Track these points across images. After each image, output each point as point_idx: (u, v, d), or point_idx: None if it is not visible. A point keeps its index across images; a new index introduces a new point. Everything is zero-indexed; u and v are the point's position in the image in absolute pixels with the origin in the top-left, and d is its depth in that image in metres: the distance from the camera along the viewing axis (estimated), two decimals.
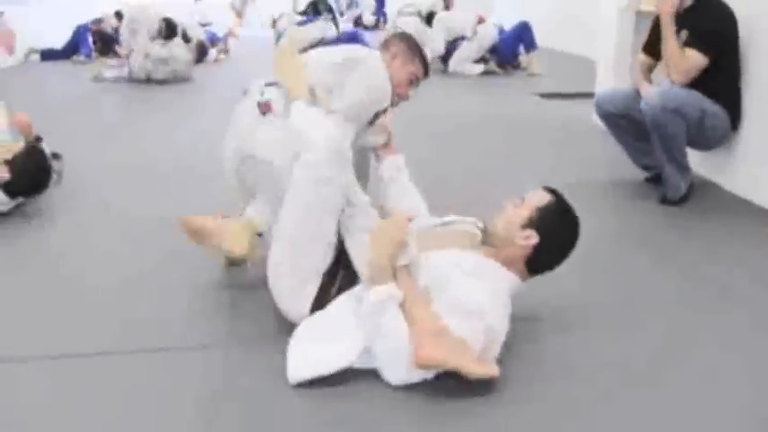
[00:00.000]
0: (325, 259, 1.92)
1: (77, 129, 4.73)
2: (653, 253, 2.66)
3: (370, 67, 2.30)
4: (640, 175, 3.47)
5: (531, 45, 7.40)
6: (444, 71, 7.40)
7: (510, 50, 7.44)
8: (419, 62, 2.45)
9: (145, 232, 2.81)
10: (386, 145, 2.48)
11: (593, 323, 2.09)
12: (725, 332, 2.07)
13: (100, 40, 9.07)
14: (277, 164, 2.05)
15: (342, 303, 1.88)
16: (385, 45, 2.47)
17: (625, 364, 1.87)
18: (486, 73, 7.32)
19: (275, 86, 2.21)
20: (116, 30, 8.35)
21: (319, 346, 1.77)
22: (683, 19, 3.06)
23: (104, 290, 2.31)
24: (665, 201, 3.14)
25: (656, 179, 3.32)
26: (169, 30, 7.28)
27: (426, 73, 2.50)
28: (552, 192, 1.93)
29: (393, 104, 2.46)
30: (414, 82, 2.45)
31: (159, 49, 7.13)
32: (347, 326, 1.78)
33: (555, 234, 1.87)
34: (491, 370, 1.66)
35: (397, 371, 1.68)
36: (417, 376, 1.68)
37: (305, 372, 1.70)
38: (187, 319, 2.11)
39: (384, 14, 13.53)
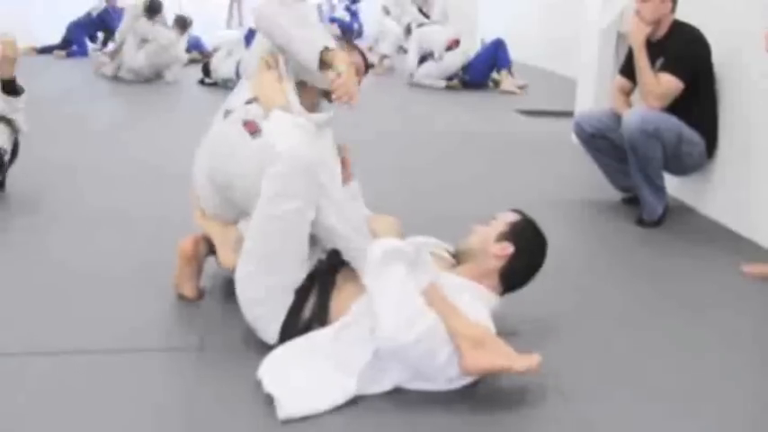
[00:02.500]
0: (293, 275, 1.90)
1: (67, 126, 4.72)
2: (627, 272, 2.71)
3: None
4: (617, 195, 3.53)
5: (503, 63, 7.42)
6: (411, 84, 7.52)
7: (481, 71, 7.45)
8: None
9: (132, 232, 2.85)
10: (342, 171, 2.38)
11: (566, 338, 2.13)
12: (695, 346, 2.13)
13: (104, 30, 9.12)
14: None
15: (324, 337, 1.83)
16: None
17: (601, 376, 1.91)
18: (471, 87, 7.35)
19: (255, 103, 2.17)
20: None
21: (308, 382, 1.73)
22: (658, 48, 3.14)
23: (78, 289, 2.35)
24: (641, 222, 3.19)
25: (632, 200, 3.38)
26: (153, 7, 7.29)
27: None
28: (520, 213, 2.03)
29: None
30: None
31: (144, 26, 7.17)
32: (336, 363, 1.76)
33: (528, 246, 1.96)
34: (534, 359, 1.71)
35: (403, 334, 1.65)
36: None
37: (295, 409, 1.66)
38: (163, 322, 2.14)
39: (360, 25, 13.63)
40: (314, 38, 2.13)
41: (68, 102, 5.96)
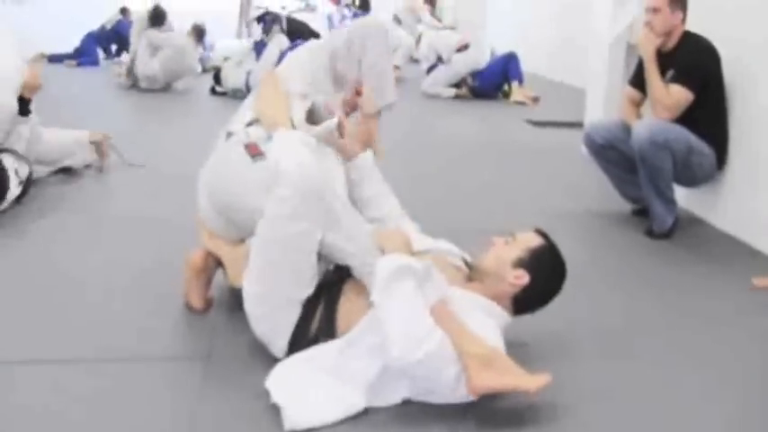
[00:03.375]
0: (300, 291, 1.89)
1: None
2: (636, 284, 2.70)
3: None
4: (627, 206, 3.52)
5: (515, 76, 7.42)
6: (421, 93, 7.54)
7: (492, 81, 7.45)
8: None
9: (141, 238, 2.88)
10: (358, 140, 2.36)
11: (576, 350, 2.13)
12: (703, 359, 2.12)
13: (118, 42, 9.23)
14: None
15: (333, 350, 1.83)
16: None
17: (610, 391, 1.91)
18: (481, 97, 7.35)
19: (256, 125, 2.15)
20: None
21: (315, 394, 1.73)
22: (668, 59, 3.14)
23: (88, 296, 2.38)
24: (651, 234, 3.18)
25: (642, 211, 3.37)
26: (157, 15, 7.33)
27: None
28: (543, 235, 1.97)
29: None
30: (359, 92, 2.40)
31: (156, 34, 7.18)
32: (343, 377, 1.76)
33: (544, 277, 1.91)
34: (544, 379, 1.69)
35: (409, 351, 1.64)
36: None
37: (301, 421, 1.67)
38: (170, 331, 2.16)
39: None
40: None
41: (78, 108, 5.99)
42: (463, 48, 7.51)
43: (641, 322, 2.36)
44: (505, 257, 1.90)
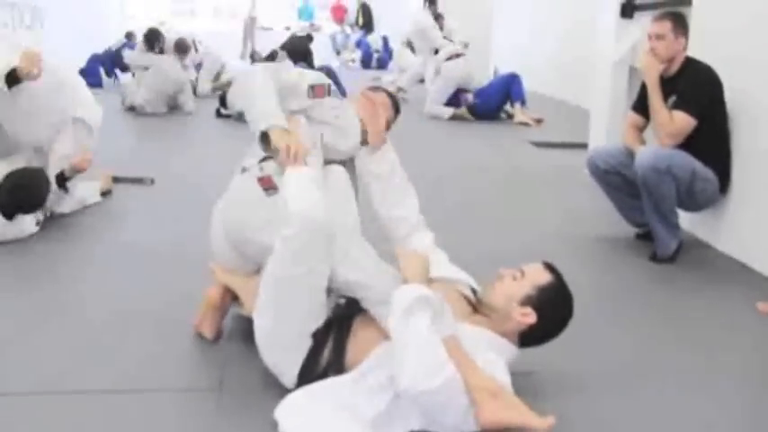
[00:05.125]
0: (309, 324, 1.92)
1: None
2: (639, 309, 2.72)
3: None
4: (631, 230, 3.54)
5: (518, 97, 7.42)
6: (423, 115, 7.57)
7: (493, 101, 7.43)
8: (381, 92, 2.53)
9: (153, 268, 2.90)
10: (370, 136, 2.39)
11: (580, 381, 2.13)
12: (707, 386, 2.13)
13: (121, 65, 9.32)
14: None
15: (342, 383, 1.85)
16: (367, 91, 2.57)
17: (615, 423, 1.92)
18: (482, 118, 7.37)
19: (270, 161, 2.19)
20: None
21: (323, 428, 1.76)
22: (670, 85, 3.18)
23: (102, 325, 2.41)
24: (654, 258, 3.20)
25: (646, 236, 3.39)
26: (150, 38, 7.43)
27: (395, 105, 2.52)
28: (551, 270, 1.97)
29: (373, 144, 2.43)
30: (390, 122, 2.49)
31: (140, 56, 7.32)
32: (351, 410, 1.77)
33: (551, 315, 1.92)
34: (549, 420, 1.70)
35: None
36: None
37: None
38: (182, 361, 2.18)
39: (389, 52, 13.63)
40: (266, 112, 2.11)
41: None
42: (454, 56, 7.53)
43: (646, 350, 2.37)
44: (513, 294, 1.90)
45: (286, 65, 2.29)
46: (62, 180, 3.40)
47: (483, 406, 1.67)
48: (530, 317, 1.88)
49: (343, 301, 2.03)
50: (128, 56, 7.58)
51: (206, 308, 2.31)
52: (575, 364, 2.22)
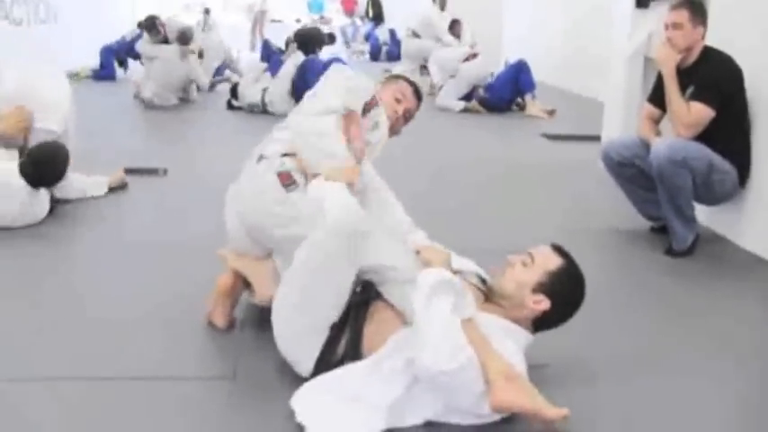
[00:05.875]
0: (328, 317, 1.92)
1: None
2: (654, 304, 2.68)
3: (336, 70, 2.38)
4: (646, 224, 3.50)
5: (526, 86, 7.36)
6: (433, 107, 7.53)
7: (503, 93, 7.37)
8: (403, 81, 2.49)
9: (166, 258, 2.92)
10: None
11: (594, 374, 2.11)
12: (730, 386, 2.09)
13: (135, 55, 9.32)
14: (298, 236, 2.04)
15: (358, 371, 1.85)
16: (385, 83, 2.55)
17: (628, 417, 1.90)
18: (493, 111, 7.31)
19: (291, 157, 2.18)
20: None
21: (340, 415, 1.77)
22: (688, 75, 3.13)
23: (115, 314, 2.42)
24: (670, 252, 3.16)
25: (662, 229, 3.35)
26: (150, 25, 7.45)
27: (416, 92, 2.49)
28: (561, 252, 1.96)
29: (395, 132, 2.45)
30: (400, 100, 2.44)
31: (150, 47, 7.32)
32: (367, 398, 1.77)
33: (564, 299, 1.92)
34: (562, 411, 1.71)
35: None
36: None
37: None
38: (196, 351, 2.19)
39: (397, 44, 13.54)
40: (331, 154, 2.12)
41: (94, 123, 6.03)
42: (471, 57, 7.52)
43: (660, 344, 2.34)
44: (524, 281, 1.90)
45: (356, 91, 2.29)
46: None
47: (497, 387, 1.67)
48: (543, 303, 1.88)
49: (359, 288, 2.02)
50: (139, 45, 7.62)
51: (217, 296, 2.31)
52: (588, 357, 2.19)
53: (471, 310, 1.80)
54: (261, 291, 2.20)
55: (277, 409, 1.82)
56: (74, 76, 9.03)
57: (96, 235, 3.30)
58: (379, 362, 1.82)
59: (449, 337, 1.67)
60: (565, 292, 1.91)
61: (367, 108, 2.28)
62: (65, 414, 1.83)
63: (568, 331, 2.08)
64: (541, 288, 1.88)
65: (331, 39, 9.21)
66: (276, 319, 1.96)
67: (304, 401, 1.79)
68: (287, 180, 2.11)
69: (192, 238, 3.19)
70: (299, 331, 1.92)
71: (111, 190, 3.90)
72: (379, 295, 1.98)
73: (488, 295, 2.00)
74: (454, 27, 9.03)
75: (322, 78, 2.34)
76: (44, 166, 3.27)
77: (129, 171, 4.16)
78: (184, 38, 7.37)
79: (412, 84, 2.51)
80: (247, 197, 2.20)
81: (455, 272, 2.04)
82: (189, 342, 2.25)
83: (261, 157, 2.23)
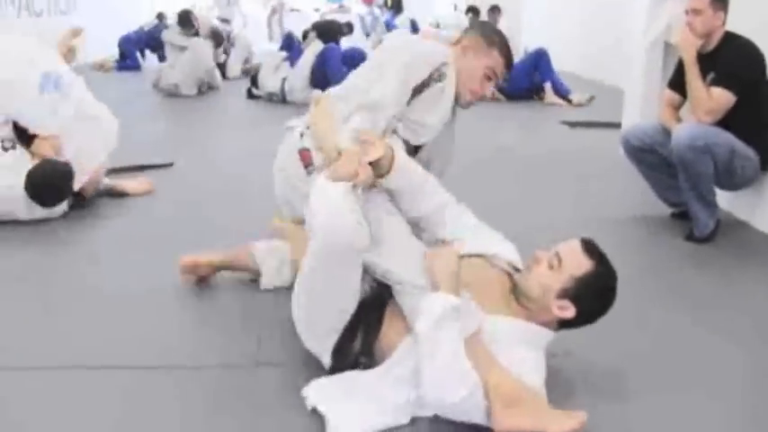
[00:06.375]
0: (338, 318, 1.89)
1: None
2: (678, 292, 2.67)
3: (397, 34, 2.31)
4: (667, 210, 3.49)
5: (546, 74, 7.30)
6: None
7: (521, 81, 7.27)
8: (498, 53, 2.21)
9: (185, 246, 2.87)
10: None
11: (613, 361, 2.12)
12: (752, 380, 2.07)
13: (155, 46, 9.42)
14: None
15: (369, 376, 1.85)
16: (456, 41, 2.30)
17: (644, 408, 1.90)
18: (513, 99, 7.28)
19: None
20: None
21: (360, 407, 1.76)
22: (709, 61, 3.11)
23: (136, 302, 2.45)
24: (691, 238, 3.15)
25: (683, 215, 3.34)
26: (184, 19, 7.50)
27: (508, 65, 2.27)
28: (591, 252, 1.85)
29: (463, 106, 2.30)
30: (491, 78, 2.23)
31: (179, 37, 7.39)
32: (378, 400, 1.78)
33: (591, 306, 1.85)
34: (577, 419, 1.65)
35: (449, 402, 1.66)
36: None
37: (346, 429, 1.71)
38: (218, 339, 2.19)
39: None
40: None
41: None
42: None
43: (681, 334, 2.33)
44: (549, 286, 1.82)
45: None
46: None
47: (496, 413, 1.63)
48: (568, 311, 1.81)
49: (374, 285, 1.97)
50: (165, 34, 7.69)
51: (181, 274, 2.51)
52: (606, 347, 2.17)
53: (477, 322, 1.75)
54: (297, 253, 2.19)
55: (298, 397, 1.82)
56: (99, 68, 9.16)
57: (110, 221, 3.33)
58: (389, 369, 1.82)
59: (454, 369, 1.63)
60: (592, 297, 1.83)
61: (426, 83, 2.10)
62: (78, 404, 1.84)
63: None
64: (566, 294, 1.80)
65: (349, 28, 9.24)
66: (295, 318, 1.97)
67: (318, 393, 1.81)
68: (307, 161, 2.12)
69: (210, 224, 3.23)
70: (314, 332, 1.92)
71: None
72: (391, 296, 1.94)
73: (515, 291, 1.92)
74: (494, 12, 9.04)
75: (385, 41, 2.25)
76: (43, 188, 3.15)
77: (138, 168, 4.15)
78: (218, 38, 7.48)
79: (508, 54, 2.24)
80: (276, 168, 2.34)
81: (475, 256, 2.00)
82: (210, 329, 2.26)
83: (289, 128, 2.32)
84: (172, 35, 7.58)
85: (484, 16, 9.80)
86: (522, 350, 1.79)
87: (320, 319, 1.90)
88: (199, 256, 2.52)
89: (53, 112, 3.30)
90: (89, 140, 3.44)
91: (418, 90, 2.15)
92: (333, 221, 1.76)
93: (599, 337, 2.18)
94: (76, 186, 3.34)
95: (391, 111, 2.12)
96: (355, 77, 2.33)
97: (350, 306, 1.88)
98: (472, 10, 10.45)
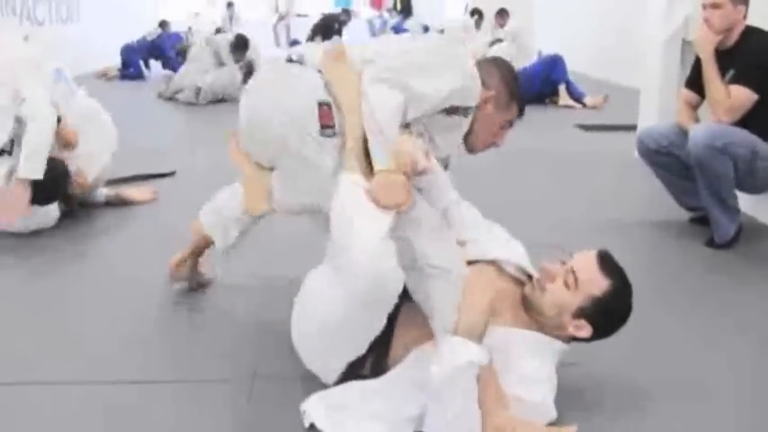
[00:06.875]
0: (356, 351, 1.83)
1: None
2: (693, 300, 2.59)
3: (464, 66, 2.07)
4: (684, 215, 3.41)
5: (562, 79, 7.26)
6: None
7: (534, 83, 7.17)
8: (516, 106, 2.19)
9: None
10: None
11: (625, 384, 2.04)
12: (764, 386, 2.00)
13: (157, 56, 9.44)
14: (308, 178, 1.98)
15: (375, 384, 1.81)
16: (481, 75, 2.12)
17: (659, 424, 1.83)
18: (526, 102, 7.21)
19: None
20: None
21: (358, 423, 1.73)
22: (728, 57, 3.03)
23: (134, 315, 2.42)
24: (711, 244, 3.07)
25: (702, 220, 3.26)
26: (239, 45, 7.72)
27: (521, 113, 2.25)
28: (607, 267, 1.79)
29: (471, 152, 2.24)
30: (504, 128, 2.21)
31: (225, 52, 7.59)
32: (383, 413, 1.74)
33: (607, 325, 1.81)
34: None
35: None
36: None
37: None
38: (216, 352, 2.17)
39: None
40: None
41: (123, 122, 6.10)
42: (497, 41, 7.51)
43: (699, 345, 2.25)
44: (565, 306, 1.77)
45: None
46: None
47: None
48: (584, 330, 1.77)
49: None
50: (214, 40, 7.77)
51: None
52: (621, 357, 2.11)
53: (489, 354, 1.69)
54: (252, 203, 2.08)
55: (296, 412, 1.79)
56: (102, 76, 9.19)
57: (111, 233, 3.30)
58: (389, 384, 1.78)
59: (463, 426, 1.61)
60: (609, 317, 1.78)
61: (454, 110, 2.03)
62: (81, 417, 1.83)
63: None
64: (583, 313, 1.76)
65: (347, 14, 9.24)
66: (295, 340, 1.92)
67: (317, 408, 1.76)
68: (327, 121, 1.92)
69: None
70: (324, 358, 1.86)
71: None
72: (402, 307, 1.84)
73: (526, 304, 1.87)
74: (501, 15, 9.06)
75: (450, 38, 2.12)
76: (38, 183, 3.08)
77: (139, 177, 4.11)
78: (250, 69, 7.54)
79: (522, 102, 2.22)
80: (270, 96, 2.00)
81: (482, 261, 1.93)
82: (208, 342, 2.24)
83: (292, 60, 2.04)
84: (222, 45, 7.60)
85: (489, 18, 9.78)
86: (536, 362, 1.75)
87: (332, 351, 1.83)
88: (172, 260, 2.52)
89: (65, 104, 3.33)
90: (93, 141, 3.46)
91: (446, 111, 2.07)
92: (376, 270, 1.66)
93: (613, 347, 2.12)
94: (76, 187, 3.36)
95: (425, 109, 2.01)
96: (390, 51, 2.09)
97: (368, 341, 1.80)
98: (477, 12, 10.43)
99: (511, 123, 2.21)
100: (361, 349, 1.81)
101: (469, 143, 2.21)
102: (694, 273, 2.84)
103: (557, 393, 1.77)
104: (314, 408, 1.77)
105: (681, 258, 2.99)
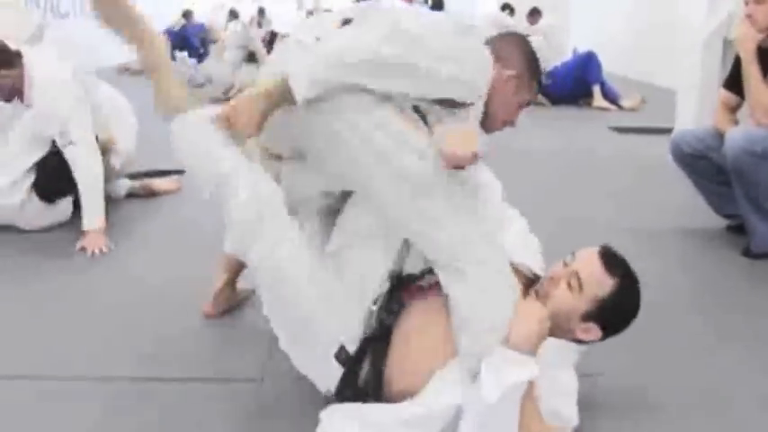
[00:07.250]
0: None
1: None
2: (733, 313, 2.50)
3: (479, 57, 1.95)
4: (721, 222, 3.32)
5: (593, 77, 7.15)
6: None
7: (567, 82, 7.13)
8: (536, 85, 2.12)
9: (195, 257, 2.89)
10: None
11: (655, 399, 1.98)
12: None
13: (182, 47, 9.59)
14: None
15: (397, 408, 1.73)
16: (501, 53, 2.00)
17: None
18: (558, 103, 7.13)
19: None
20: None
21: None
22: None
23: (142, 313, 2.44)
24: (748, 254, 2.98)
25: (739, 228, 3.17)
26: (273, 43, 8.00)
27: (538, 91, 2.21)
28: (611, 265, 1.73)
29: (489, 131, 2.14)
30: (522, 107, 2.15)
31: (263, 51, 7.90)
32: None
33: (617, 325, 1.76)
34: None
35: None
36: None
37: None
38: (224, 352, 2.18)
39: None
40: None
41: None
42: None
43: (735, 362, 2.16)
44: (573, 312, 1.72)
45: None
46: None
47: None
48: (593, 332, 1.72)
49: (377, 323, 1.83)
50: (247, 37, 8.03)
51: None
52: (649, 372, 2.05)
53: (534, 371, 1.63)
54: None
55: (303, 412, 1.79)
56: (125, 70, 9.28)
57: (120, 229, 3.29)
58: (409, 409, 1.69)
59: None
60: (618, 317, 1.74)
61: (456, 104, 1.94)
62: (85, 415, 1.84)
63: (628, 334, 1.92)
64: (590, 316, 1.71)
65: None
66: (291, 355, 1.87)
67: (331, 423, 1.70)
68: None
69: (216, 239, 3.15)
70: (315, 368, 1.82)
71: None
72: (399, 322, 1.81)
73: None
74: (533, 15, 9.01)
75: (478, 21, 2.07)
76: (49, 179, 3.18)
77: (149, 174, 4.08)
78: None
79: (540, 81, 2.15)
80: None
81: None
82: (217, 342, 2.24)
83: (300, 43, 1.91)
84: (258, 46, 7.70)
85: (519, 12, 9.71)
86: (570, 371, 1.77)
87: (319, 333, 1.79)
88: (210, 303, 2.42)
89: (92, 92, 3.41)
90: (118, 128, 3.57)
91: (449, 103, 1.96)
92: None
93: (643, 357, 2.10)
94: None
95: (421, 93, 1.89)
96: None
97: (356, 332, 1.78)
98: (507, 7, 10.35)
99: (529, 103, 2.16)
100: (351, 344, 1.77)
101: (486, 125, 2.14)
102: (729, 283, 2.76)
103: (585, 403, 1.75)
104: (328, 419, 1.71)
105: (715, 267, 2.91)
